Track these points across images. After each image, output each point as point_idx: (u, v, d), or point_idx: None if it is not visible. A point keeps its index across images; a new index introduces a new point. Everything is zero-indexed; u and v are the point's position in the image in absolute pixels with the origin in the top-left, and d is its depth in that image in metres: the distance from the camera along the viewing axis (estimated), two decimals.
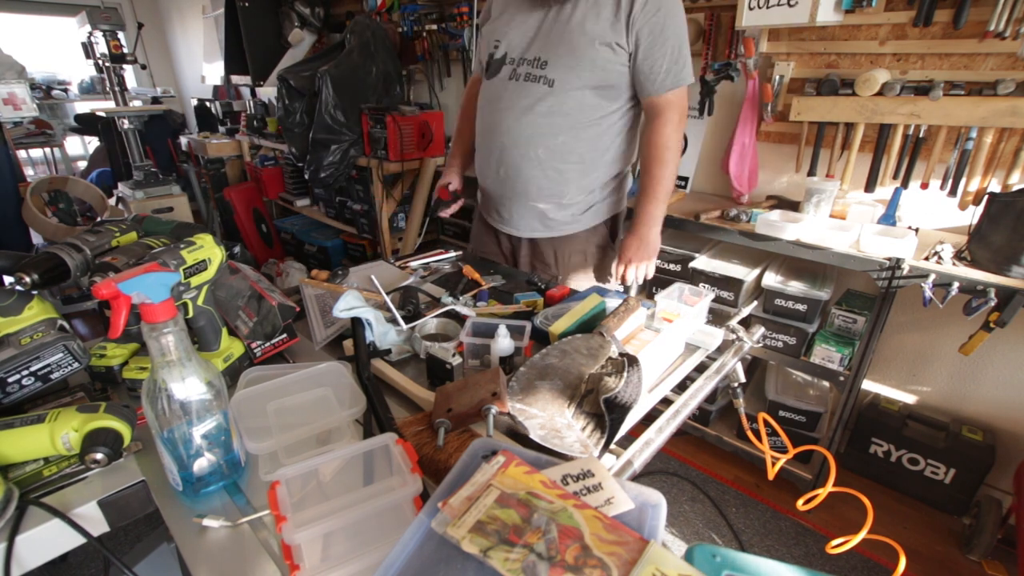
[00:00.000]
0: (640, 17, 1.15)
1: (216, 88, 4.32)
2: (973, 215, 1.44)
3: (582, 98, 1.23)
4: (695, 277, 1.86)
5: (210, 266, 0.84)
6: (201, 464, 0.67)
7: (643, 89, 1.24)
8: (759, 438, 0.94)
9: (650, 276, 1.42)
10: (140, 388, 0.64)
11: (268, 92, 3.67)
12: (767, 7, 1.56)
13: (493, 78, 1.32)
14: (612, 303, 1.04)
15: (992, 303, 1.30)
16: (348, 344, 1.00)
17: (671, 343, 0.93)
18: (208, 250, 0.83)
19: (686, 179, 2.12)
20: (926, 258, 1.43)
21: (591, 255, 1.45)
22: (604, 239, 1.46)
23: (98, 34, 3.05)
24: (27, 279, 0.80)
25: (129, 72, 4.85)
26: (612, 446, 0.73)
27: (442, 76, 2.81)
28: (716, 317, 1.06)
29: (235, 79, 3.77)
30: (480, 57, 1.41)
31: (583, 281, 1.46)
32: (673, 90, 1.22)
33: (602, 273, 1.48)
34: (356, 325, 0.98)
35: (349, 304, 0.97)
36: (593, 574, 0.43)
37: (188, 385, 0.63)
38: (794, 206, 1.80)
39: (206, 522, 0.63)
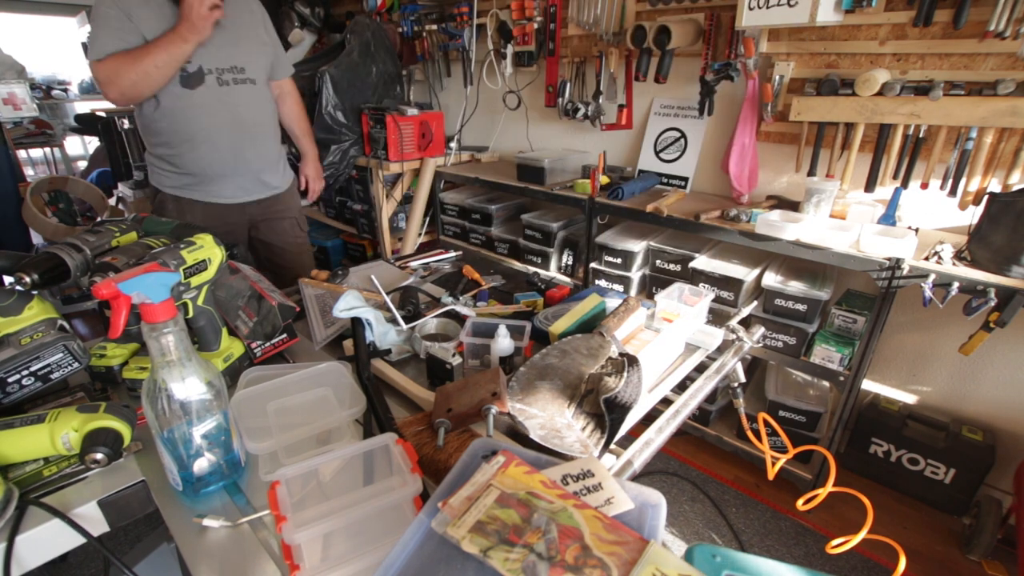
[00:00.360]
0: None
1: None
2: (973, 215, 1.44)
3: (264, 90, 1.68)
4: (695, 277, 1.86)
5: (210, 266, 0.84)
6: (201, 464, 0.67)
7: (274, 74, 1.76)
8: (759, 438, 0.94)
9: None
10: (140, 388, 0.64)
11: None
12: (767, 7, 1.56)
13: (197, 89, 1.52)
14: (612, 303, 1.04)
15: (992, 303, 1.30)
16: (348, 344, 1.00)
17: (671, 343, 0.93)
18: (208, 250, 0.84)
19: (686, 179, 2.12)
20: (926, 258, 1.43)
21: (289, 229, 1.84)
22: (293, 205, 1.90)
23: None
24: (27, 279, 0.80)
25: None
26: (612, 446, 0.73)
27: (442, 76, 2.81)
28: (716, 317, 1.06)
29: None
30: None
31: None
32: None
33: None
34: (356, 325, 0.98)
35: (349, 304, 0.97)
36: (593, 574, 0.43)
37: (188, 385, 0.63)
38: (794, 206, 1.80)
39: (206, 522, 0.63)
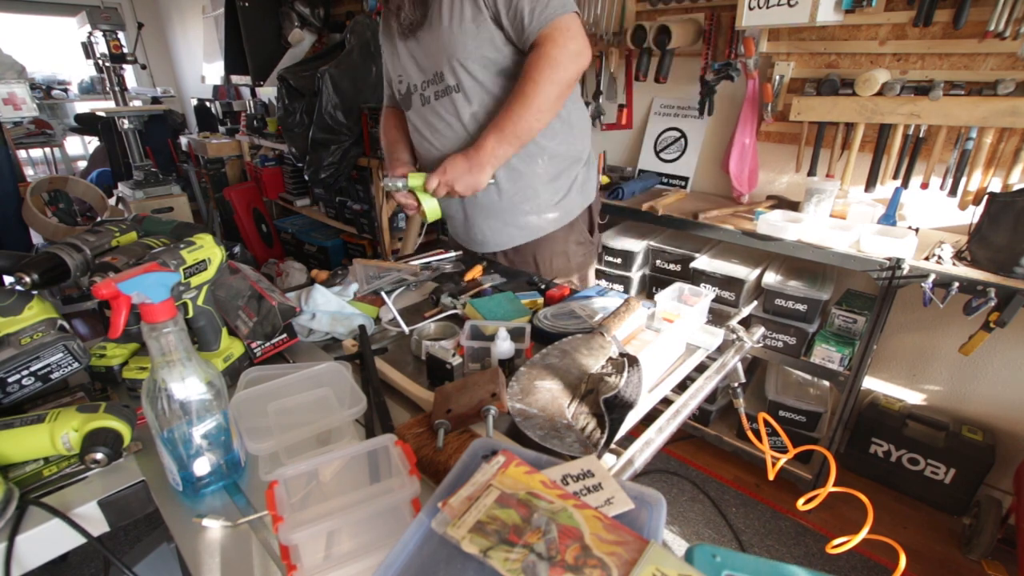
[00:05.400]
0: None
1: (216, 88, 4.33)
2: (973, 215, 1.44)
3: (493, 89, 1.16)
4: (696, 277, 1.86)
5: (210, 266, 0.84)
6: (201, 464, 0.67)
7: (523, 43, 1.11)
8: (759, 438, 0.94)
9: (469, 191, 1.18)
10: (140, 388, 0.64)
11: (268, 92, 3.67)
12: (767, 7, 1.56)
13: (410, 111, 1.30)
14: (612, 303, 1.04)
15: (992, 303, 1.30)
16: (348, 344, 1.00)
17: (671, 343, 0.93)
18: (208, 250, 0.83)
19: (686, 179, 2.12)
20: (926, 258, 1.43)
21: (573, 254, 1.38)
22: (583, 234, 1.39)
23: (98, 34, 3.06)
24: (27, 279, 0.80)
25: (129, 72, 4.85)
26: (612, 446, 0.73)
27: None
28: (716, 317, 1.06)
29: (235, 79, 3.77)
30: (392, 93, 1.38)
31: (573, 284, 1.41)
32: (548, 25, 1.06)
33: (585, 271, 1.42)
34: (363, 333, 0.98)
35: (316, 304, 0.99)
36: (593, 574, 0.43)
37: (188, 385, 0.63)
38: (794, 206, 1.80)
39: (206, 522, 0.63)
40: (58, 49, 5.17)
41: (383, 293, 1.14)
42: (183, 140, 4.08)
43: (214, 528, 0.63)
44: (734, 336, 1.02)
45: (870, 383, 1.92)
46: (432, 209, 1.23)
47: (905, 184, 1.62)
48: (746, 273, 1.78)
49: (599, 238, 1.46)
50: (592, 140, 1.39)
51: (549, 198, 1.30)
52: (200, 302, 0.83)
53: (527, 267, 1.37)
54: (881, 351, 1.86)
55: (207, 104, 4.58)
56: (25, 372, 0.76)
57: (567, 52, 1.06)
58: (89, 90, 5.37)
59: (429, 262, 1.35)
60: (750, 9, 1.59)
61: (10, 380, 0.75)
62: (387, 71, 1.37)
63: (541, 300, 1.11)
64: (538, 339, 0.96)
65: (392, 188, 1.22)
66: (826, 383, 1.92)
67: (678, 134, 2.12)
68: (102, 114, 3.51)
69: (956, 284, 1.35)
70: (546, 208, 1.31)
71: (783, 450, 1.02)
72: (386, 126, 1.43)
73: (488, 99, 1.17)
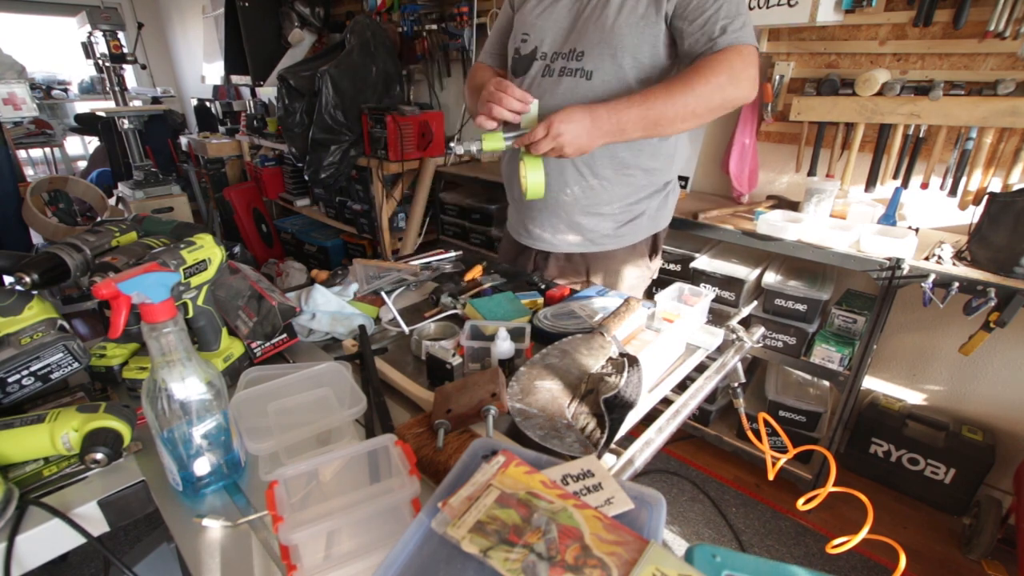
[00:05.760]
0: None
1: (216, 88, 4.33)
2: (973, 215, 1.44)
3: (625, 91, 1.05)
4: (696, 277, 1.86)
5: (210, 266, 0.84)
6: (201, 464, 0.67)
7: (697, 51, 1.02)
8: (759, 438, 0.94)
9: (557, 149, 0.99)
10: (140, 388, 0.64)
11: (268, 92, 3.67)
12: (767, 7, 1.56)
13: (522, 76, 1.18)
14: (612, 303, 1.04)
15: (992, 303, 1.30)
16: (348, 344, 1.00)
17: (671, 343, 0.93)
18: (208, 250, 0.83)
19: (686, 179, 2.12)
20: (926, 258, 1.43)
21: (627, 275, 1.28)
22: (642, 258, 1.29)
23: (98, 34, 3.05)
24: (27, 279, 0.80)
25: (129, 72, 4.85)
26: (612, 446, 0.73)
27: (442, 76, 2.81)
28: (716, 317, 1.06)
29: (235, 79, 3.77)
30: (496, 49, 1.28)
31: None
32: (728, 47, 0.99)
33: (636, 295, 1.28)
34: (363, 333, 0.98)
35: (316, 304, 0.99)
36: (593, 574, 0.43)
37: (188, 385, 0.63)
38: (794, 206, 1.80)
39: (206, 522, 0.63)
40: (58, 49, 5.17)
41: (383, 293, 1.14)
42: (183, 140, 4.08)
43: (214, 528, 0.63)
44: (734, 336, 1.02)
45: (870, 383, 1.92)
46: (536, 184, 1.01)
47: (905, 184, 1.62)
48: (746, 273, 1.78)
49: (658, 264, 1.36)
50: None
51: (620, 216, 1.22)
52: (200, 302, 0.83)
53: (576, 276, 1.30)
54: (881, 351, 1.86)
55: (207, 104, 4.58)
56: (25, 372, 0.76)
57: (747, 74, 1.00)
58: (89, 90, 5.37)
59: (429, 262, 1.35)
60: (750, 9, 1.59)
61: (10, 380, 0.75)
62: (501, 26, 1.26)
63: (541, 300, 1.11)
64: (538, 339, 0.96)
65: (464, 153, 1.07)
66: (826, 383, 1.92)
67: None
68: (102, 114, 3.51)
69: (956, 284, 1.35)
70: (613, 224, 1.22)
71: (783, 450, 1.02)
72: (478, 72, 1.30)
73: (613, 97, 1.05)
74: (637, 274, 1.31)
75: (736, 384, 1.05)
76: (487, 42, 1.34)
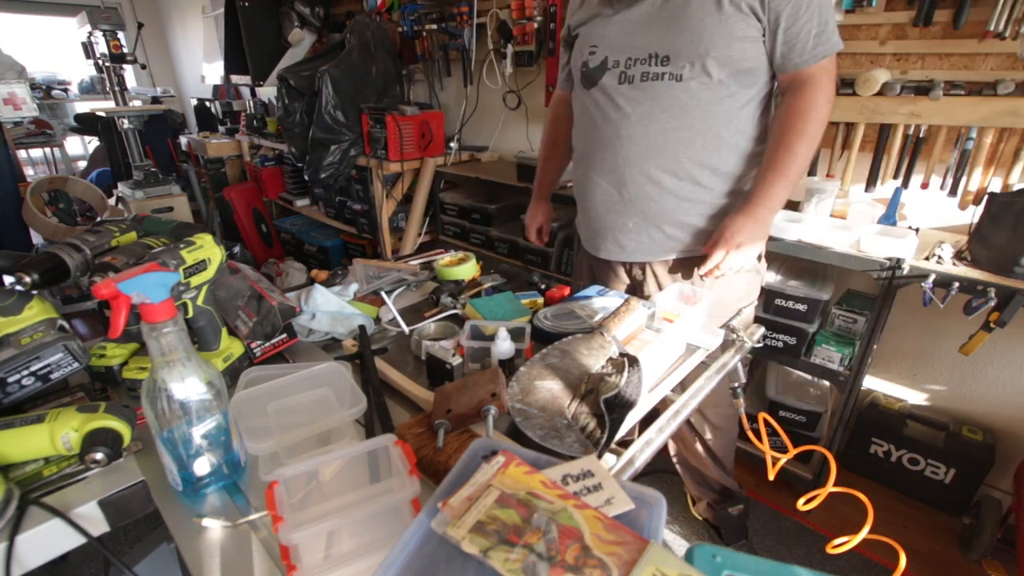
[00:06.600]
0: None
1: (216, 88, 4.33)
2: (973, 215, 1.44)
3: (719, 89, 1.05)
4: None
5: (210, 266, 0.84)
6: (201, 464, 0.67)
7: (786, 63, 1.03)
8: (759, 438, 0.94)
9: (745, 268, 1.11)
10: (140, 388, 0.64)
11: (268, 92, 3.67)
12: None
13: (593, 88, 1.15)
14: (612, 303, 1.04)
15: (992, 303, 1.30)
16: (348, 344, 1.00)
17: (672, 343, 0.93)
18: (208, 250, 0.84)
19: None
20: (926, 258, 1.43)
21: (736, 283, 1.21)
22: (752, 260, 1.19)
23: (98, 34, 3.05)
24: (27, 279, 0.80)
25: (129, 72, 4.85)
26: (612, 446, 0.73)
27: (442, 76, 2.81)
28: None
29: (235, 79, 3.77)
30: (571, 69, 1.26)
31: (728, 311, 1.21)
32: (821, 60, 1.02)
33: (746, 304, 1.25)
34: (363, 333, 0.98)
35: (316, 304, 0.99)
36: (593, 574, 0.43)
37: (188, 385, 0.63)
38: (794, 206, 1.80)
39: (206, 522, 0.63)
40: (58, 49, 5.17)
41: (383, 293, 1.14)
42: (183, 140, 4.08)
43: (214, 528, 0.63)
44: (734, 336, 1.02)
45: (870, 383, 1.92)
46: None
47: (905, 184, 1.62)
48: None
49: (765, 267, 1.28)
50: None
51: (719, 211, 1.16)
52: (200, 302, 0.83)
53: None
54: (881, 351, 1.86)
55: (207, 104, 4.58)
56: (25, 372, 0.76)
57: (833, 87, 1.06)
58: (89, 90, 5.37)
59: (429, 262, 1.35)
60: None
61: (10, 380, 0.75)
62: (566, 49, 1.26)
63: (541, 300, 1.11)
64: (538, 339, 0.96)
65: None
66: (826, 383, 1.92)
67: None
68: (102, 114, 3.51)
69: (956, 284, 1.35)
70: (714, 222, 1.16)
71: (783, 450, 1.02)
72: (551, 131, 1.37)
73: (705, 100, 1.06)
74: (746, 281, 1.24)
75: (736, 384, 1.05)
76: (560, 68, 1.36)
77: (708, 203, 1.15)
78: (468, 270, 1.22)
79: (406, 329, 1.04)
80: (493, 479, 0.53)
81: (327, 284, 1.23)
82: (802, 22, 0.99)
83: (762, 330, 1.10)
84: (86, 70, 5.16)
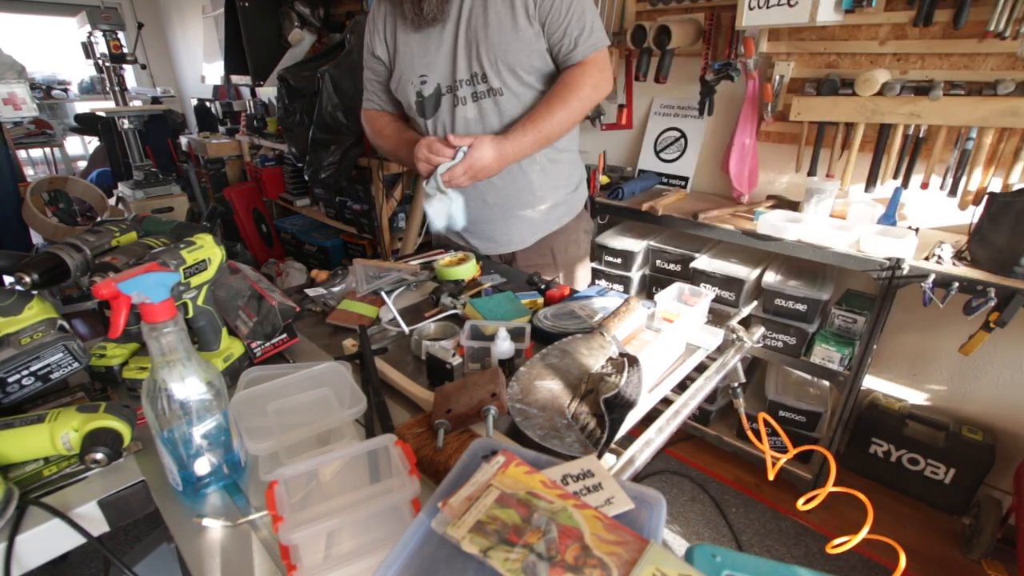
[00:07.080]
0: None
1: (216, 88, 4.33)
2: (973, 215, 1.44)
3: (534, 99, 1.21)
4: (696, 277, 1.86)
5: (210, 266, 0.84)
6: (201, 464, 0.67)
7: (560, 61, 1.20)
8: (759, 438, 0.94)
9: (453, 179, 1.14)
10: (140, 388, 0.64)
11: (268, 92, 3.67)
12: (767, 7, 1.56)
13: (434, 116, 1.25)
14: (612, 303, 1.04)
15: (992, 303, 1.30)
16: (348, 344, 1.00)
17: (671, 343, 0.93)
18: (208, 250, 0.84)
19: (686, 179, 2.12)
20: (926, 258, 1.43)
21: (583, 241, 1.47)
22: (587, 222, 1.50)
23: (98, 34, 3.06)
24: (27, 279, 0.79)
25: (129, 72, 4.85)
26: (612, 446, 0.73)
27: None
28: (716, 317, 1.06)
29: (235, 79, 3.77)
30: (384, 96, 1.34)
31: (581, 271, 1.48)
32: (591, 54, 1.17)
33: (587, 258, 1.53)
34: (363, 333, 0.98)
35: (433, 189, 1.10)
36: (593, 574, 0.43)
37: (188, 385, 0.63)
38: (794, 206, 1.80)
39: (206, 522, 0.63)
40: (58, 49, 5.17)
41: (383, 293, 1.14)
42: (183, 140, 4.08)
43: (214, 528, 0.63)
44: (734, 336, 1.02)
45: (870, 383, 1.92)
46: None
47: (905, 184, 1.62)
48: (746, 273, 1.78)
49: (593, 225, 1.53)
50: (593, 140, 1.44)
51: (568, 190, 1.39)
52: (200, 302, 0.83)
53: (544, 259, 1.41)
54: (881, 351, 1.86)
55: (207, 104, 4.58)
56: (25, 372, 0.76)
57: (604, 78, 1.20)
58: (89, 90, 5.37)
59: (429, 262, 1.35)
60: (750, 9, 1.59)
61: (10, 380, 0.75)
62: (377, 74, 1.32)
63: (541, 300, 1.11)
64: (538, 339, 0.96)
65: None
66: (826, 383, 1.92)
67: (678, 134, 2.12)
68: (102, 114, 3.51)
69: (956, 284, 1.35)
70: (565, 199, 1.39)
71: (783, 450, 1.02)
72: (380, 127, 1.35)
73: (529, 103, 1.22)
74: (587, 239, 1.50)
75: (736, 384, 1.05)
76: (368, 91, 1.37)
77: (560, 184, 1.37)
78: (468, 270, 1.23)
79: (406, 329, 1.04)
80: (493, 479, 0.53)
81: (326, 285, 1.23)
82: (564, 26, 1.14)
83: (762, 330, 1.10)
84: (86, 70, 5.16)
